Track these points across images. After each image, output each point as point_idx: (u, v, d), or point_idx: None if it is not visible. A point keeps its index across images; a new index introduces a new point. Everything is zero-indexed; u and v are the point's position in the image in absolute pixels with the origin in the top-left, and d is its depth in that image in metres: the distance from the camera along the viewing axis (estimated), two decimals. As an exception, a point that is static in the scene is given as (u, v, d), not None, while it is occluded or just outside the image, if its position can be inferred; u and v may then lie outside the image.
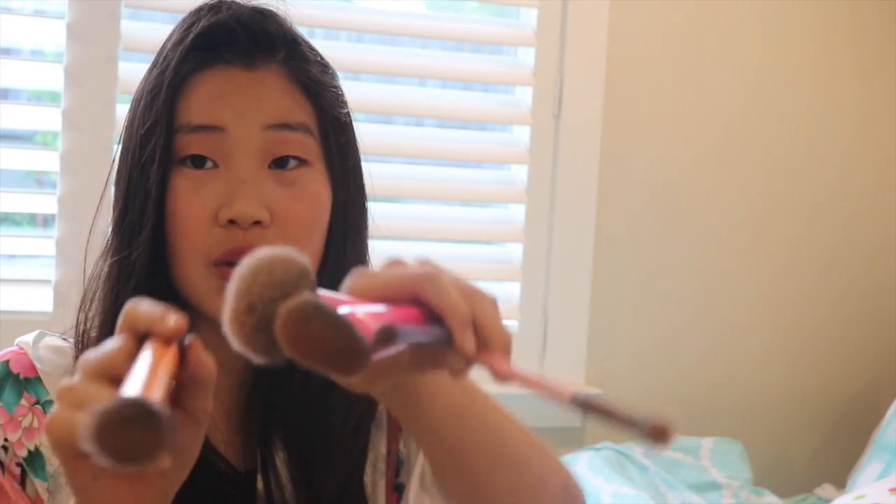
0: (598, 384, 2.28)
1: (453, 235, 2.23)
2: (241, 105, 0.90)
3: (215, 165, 0.90)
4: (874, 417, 2.36)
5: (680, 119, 2.34)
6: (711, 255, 2.38)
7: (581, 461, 2.07)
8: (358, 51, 2.21)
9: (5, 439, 0.91)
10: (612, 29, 2.25)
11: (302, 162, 0.92)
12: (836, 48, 2.43)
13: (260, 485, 0.95)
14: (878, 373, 2.51)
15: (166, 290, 0.91)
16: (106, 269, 0.94)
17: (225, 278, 0.80)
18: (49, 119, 1.97)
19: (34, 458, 0.92)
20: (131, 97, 0.96)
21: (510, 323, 2.23)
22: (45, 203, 1.99)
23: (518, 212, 2.24)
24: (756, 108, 2.39)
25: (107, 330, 0.93)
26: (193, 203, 0.89)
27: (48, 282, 1.95)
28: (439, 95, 2.29)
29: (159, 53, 0.95)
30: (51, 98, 2.09)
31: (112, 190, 0.97)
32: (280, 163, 0.91)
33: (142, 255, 0.91)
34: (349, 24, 2.14)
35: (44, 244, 2.01)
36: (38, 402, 0.93)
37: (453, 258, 2.22)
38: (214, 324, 0.84)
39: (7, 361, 0.94)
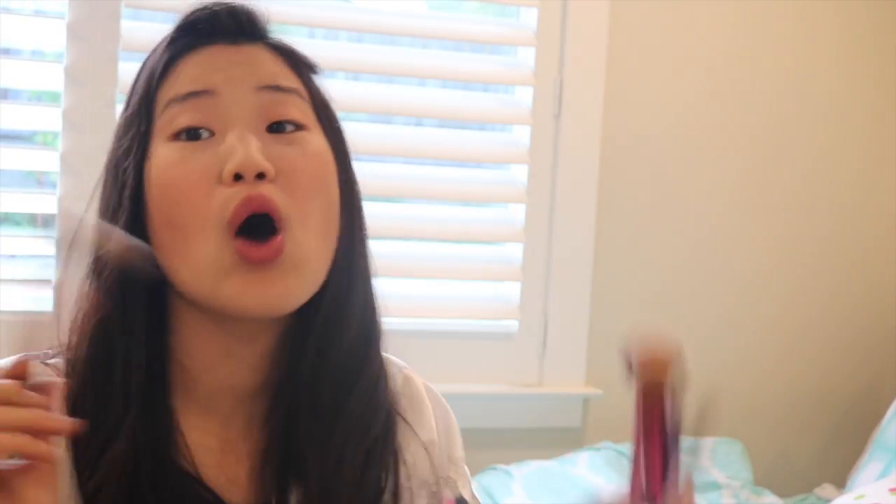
0: (598, 384, 2.28)
1: (453, 235, 2.23)
2: (231, 69, 0.86)
3: (211, 135, 0.84)
4: (874, 417, 2.36)
5: (679, 118, 2.34)
6: (712, 256, 2.38)
7: (581, 461, 2.07)
8: (358, 51, 2.21)
9: None
10: (612, 29, 2.25)
11: (299, 126, 0.87)
12: (835, 44, 2.43)
13: None
14: (877, 372, 2.51)
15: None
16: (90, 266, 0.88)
17: (241, 253, 0.79)
18: (49, 119, 1.97)
19: None
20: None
21: (510, 323, 2.24)
22: (45, 203, 1.99)
23: (518, 212, 2.24)
24: (755, 107, 2.39)
25: (96, 328, 0.87)
26: (192, 170, 0.83)
27: (48, 282, 1.95)
28: (439, 95, 2.29)
29: (144, 62, 0.92)
30: (51, 98, 2.08)
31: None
32: (278, 128, 0.86)
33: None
34: (349, 24, 2.14)
35: (44, 244, 2.01)
36: None
37: (453, 258, 2.22)
38: (216, 317, 0.83)
39: None
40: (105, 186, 0.90)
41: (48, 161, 1.99)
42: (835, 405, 2.50)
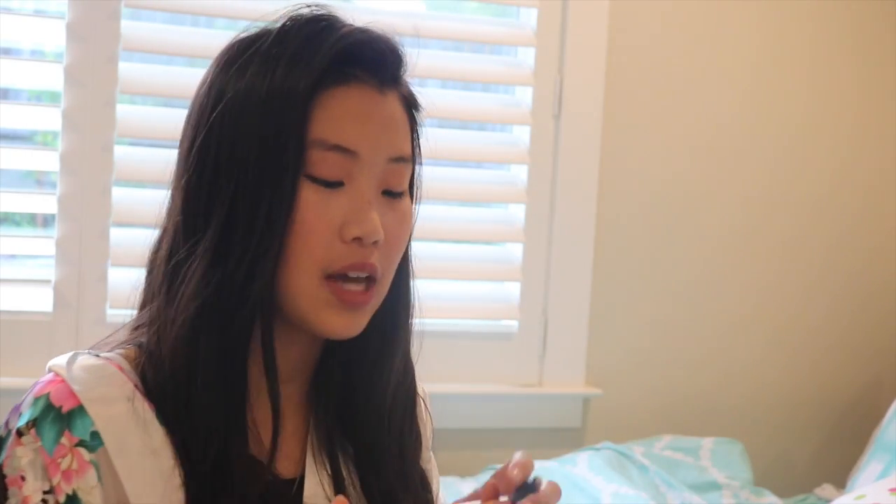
0: (598, 384, 2.28)
1: (453, 235, 2.23)
2: (376, 133, 0.96)
3: (341, 184, 0.94)
4: (874, 417, 2.36)
5: (679, 119, 2.34)
6: (711, 255, 2.38)
7: (581, 461, 2.07)
8: (358, 51, 2.21)
9: (49, 488, 0.88)
10: (612, 29, 2.25)
11: (402, 193, 1.01)
12: (836, 47, 2.44)
13: (321, 488, 0.98)
14: (878, 373, 2.52)
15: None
16: (200, 275, 0.91)
17: (335, 293, 0.93)
18: (49, 119, 1.97)
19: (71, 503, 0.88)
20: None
21: (510, 323, 2.24)
22: (45, 203, 1.99)
23: (518, 212, 2.24)
24: (755, 108, 2.39)
25: (217, 342, 0.91)
26: (322, 217, 0.92)
27: (48, 282, 1.95)
28: (439, 95, 2.29)
29: (266, 55, 0.93)
30: (51, 98, 2.09)
31: (182, 186, 0.94)
32: (389, 193, 0.98)
33: (268, 265, 0.91)
34: (349, 24, 2.14)
35: (44, 244, 2.01)
36: (79, 443, 0.89)
37: (453, 258, 2.22)
38: (291, 326, 0.96)
39: (48, 395, 0.90)
40: (239, 195, 0.92)
41: (48, 161, 2.00)
42: (835, 405, 2.50)
